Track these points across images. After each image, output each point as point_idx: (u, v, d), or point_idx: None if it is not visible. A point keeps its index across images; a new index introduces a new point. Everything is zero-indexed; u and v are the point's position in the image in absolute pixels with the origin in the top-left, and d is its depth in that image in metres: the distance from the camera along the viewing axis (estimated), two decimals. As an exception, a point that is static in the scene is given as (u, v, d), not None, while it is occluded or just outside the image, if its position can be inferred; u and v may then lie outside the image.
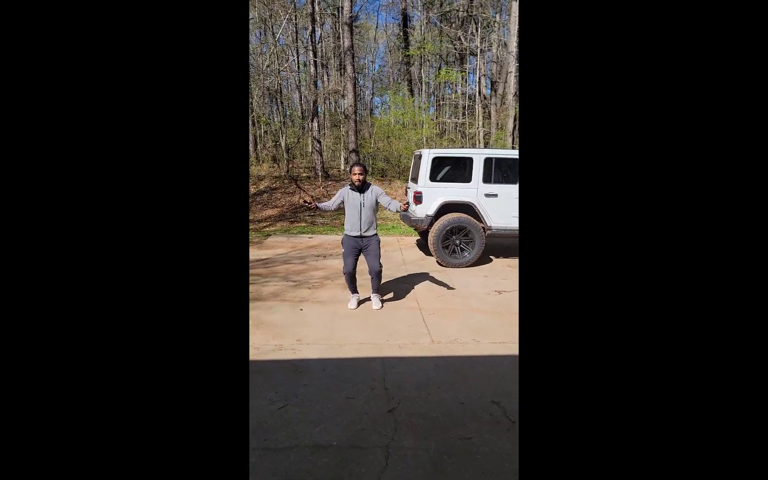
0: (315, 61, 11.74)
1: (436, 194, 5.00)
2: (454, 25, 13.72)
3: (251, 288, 4.11)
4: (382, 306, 3.64)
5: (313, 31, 11.80)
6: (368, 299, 3.71)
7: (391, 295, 3.97)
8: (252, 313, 3.41)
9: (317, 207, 3.42)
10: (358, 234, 3.47)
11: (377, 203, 3.50)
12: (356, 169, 3.41)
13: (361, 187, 3.44)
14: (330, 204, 3.50)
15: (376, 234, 3.55)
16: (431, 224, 5.03)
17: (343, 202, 3.49)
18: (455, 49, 13.64)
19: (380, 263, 3.54)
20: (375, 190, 3.51)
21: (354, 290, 3.66)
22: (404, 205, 3.36)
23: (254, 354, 2.72)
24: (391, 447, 1.81)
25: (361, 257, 3.58)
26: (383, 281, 4.44)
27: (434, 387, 2.33)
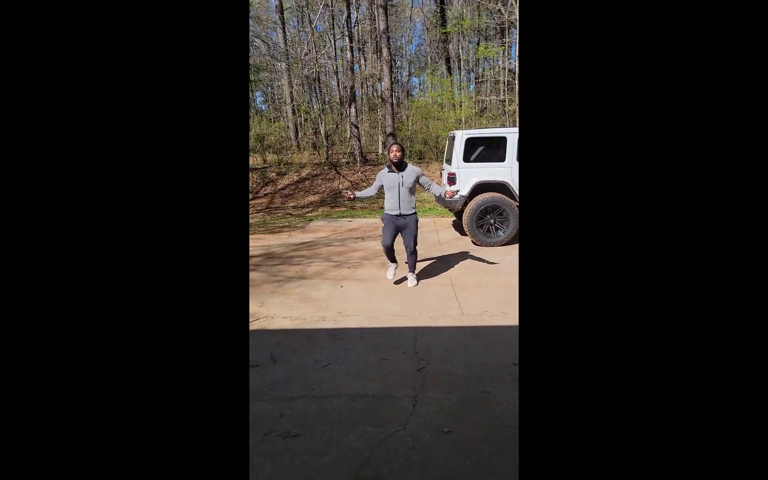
0: (351, 46, 11.94)
1: (469, 175, 5.10)
2: (492, -3, 13.21)
3: (297, 268, 4.54)
4: (417, 283, 3.86)
5: (349, 15, 11.96)
6: (405, 278, 3.95)
7: (425, 272, 4.20)
8: (298, 290, 3.82)
9: (356, 197, 3.65)
10: (397, 213, 3.63)
11: (416, 183, 3.64)
12: (394, 147, 3.57)
13: (399, 166, 3.58)
14: (370, 190, 3.72)
15: (414, 213, 3.70)
16: (465, 204, 5.16)
17: (382, 186, 3.67)
18: (495, 22, 13.16)
19: (416, 242, 3.72)
20: (414, 170, 3.65)
21: (393, 260, 3.91)
22: (451, 192, 3.45)
23: (301, 324, 3.10)
24: (418, 397, 2.09)
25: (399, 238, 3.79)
26: (419, 260, 4.68)
27: (461, 351, 2.56)
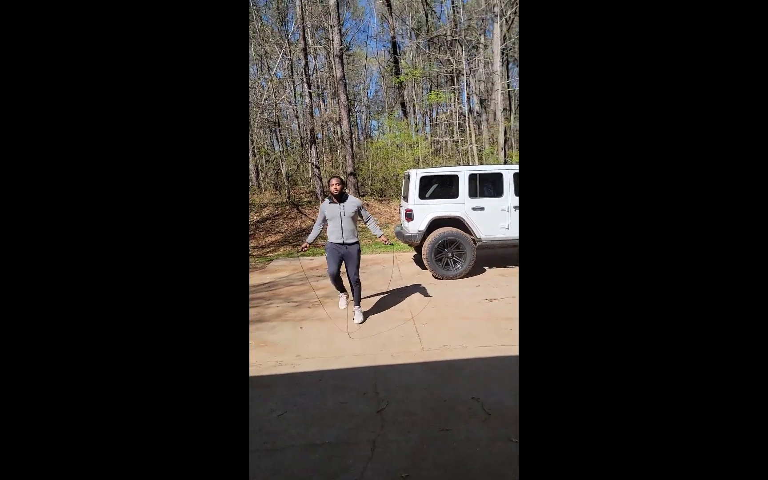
0: (310, 93, 12.29)
1: (426, 211, 5.26)
2: (442, 49, 14.31)
3: (254, 311, 4.34)
4: (364, 320, 3.82)
5: (307, 63, 12.39)
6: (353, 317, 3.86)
7: (386, 307, 4.18)
8: (255, 334, 3.63)
9: (310, 243, 3.72)
10: (340, 241, 3.69)
11: (357, 214, 3.75)
12: (333, 181, 3.68)
13: (340, 197, 3.68)
14: (316, 228, 3.79)
15: (357, 242, 3.77)
16: (424, 239, 5.28)
17: (325, 218, 3.74)
18: (445, 71, 14.19)
19: (358, 272, 3.76)
20: (355, 201, 3.75)
21: (341, 290, 3.93)
22: (384, 239, 3.68)
23: (257, 370, 2.93)
24: (377, 441, 2.00)
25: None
26: (380, 295, 4.65)
27: (421, 388, 2.52)
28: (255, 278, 5.99)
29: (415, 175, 5.29)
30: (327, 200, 3.75)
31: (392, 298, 4.55)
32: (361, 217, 3.79)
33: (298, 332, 3.65)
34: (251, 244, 9.43)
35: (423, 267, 5.91)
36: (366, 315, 3.94)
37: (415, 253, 6.75)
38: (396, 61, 14.88)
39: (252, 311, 4.33)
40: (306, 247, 3.71)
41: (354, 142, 11.98)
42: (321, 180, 11.55)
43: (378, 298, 4.56)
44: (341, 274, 3.90)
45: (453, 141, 13.58)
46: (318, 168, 11.59)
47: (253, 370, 2.93)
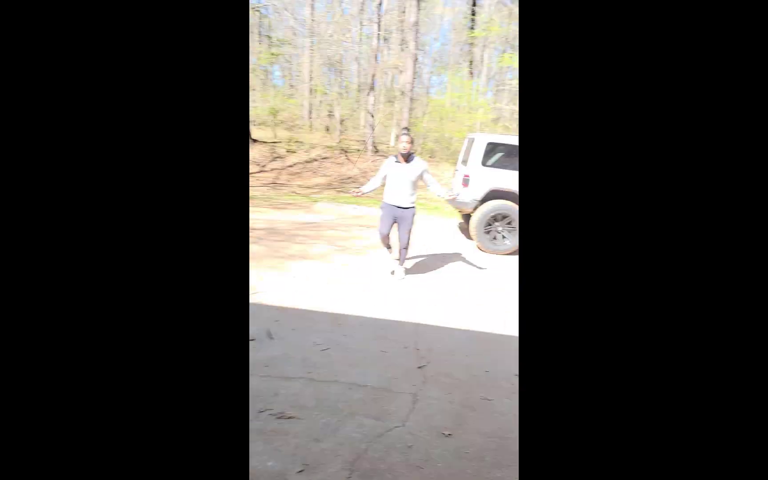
0: (378, 34, 11.77)
1: (485, 179, 5.02)
2: (524, 6, 13.03)
3: (299, 247, 4.46)
4: (405, 277, 3.80)
5: (380, 2, 11.77)
6: (393, 272, 3.86)
7: (425, 271, 4.14)
8: (300, 269, 3.74)
9: (362, 193, 3.60)
10: (396, 203, 3.58)
11: (420, 178, 3.58)
12: (404, 138, 3.52)
13: (407, 158, 3.53)
14: (374, 181, 3.64)
15: (413, 207, 3.65)
16: (476, 208, 5.08)
17: (385, 176, 3.61)
18: (522, 31, 13.01)
19: (410, 237, 3.68)
20: (421, 163, 3.59)
21: (388, 247, 3.86)
22: (450, 196, 3.48)
23: (301, 303, 3.03)
24: (418, 395, 2.02)
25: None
26: (421, 257, 4.61)
27: (462, 354, 2.50)
28: (299, 216, 6.12)
29: (481, 140, 5.01)
30: (393, 158, 3.60)
31: (434, 262, 4.50)
32: (424, 180, 3.61)
33: (341, 275, 3.72)
34: (297, 183, 9.57)
35: (468, 236, 5.76)
36: (407, 273, 3.92)
37: (461, 220, 6.57)
38: (473, 13, 13.81)
39: (297, 247, 4.44)
40: (359, 193, 3.61)
41: (413, 96, 11.50)
42: (373, 129, 11.32)
43: (420, 260, 4.52)
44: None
45: (516, 111, 12.72)
46: (372, 116, 11.33)
47: (298, 302, 3.03)
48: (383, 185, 3.70)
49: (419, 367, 2.29)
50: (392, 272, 3.86)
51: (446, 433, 1.76)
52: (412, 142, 3.56)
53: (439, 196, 3.64)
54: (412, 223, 3.64)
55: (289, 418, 1.76)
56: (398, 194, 3.57)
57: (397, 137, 3.50)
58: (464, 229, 6.21)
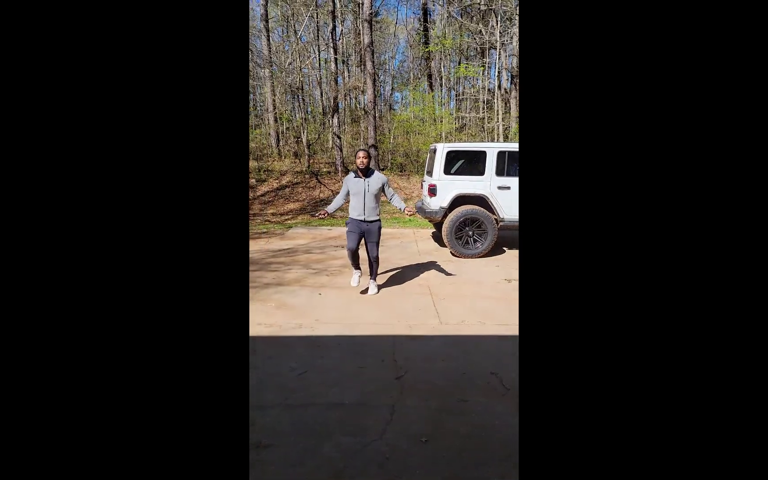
0: (336, 58, 12.03)
1: (450, 187, 5.16)
2: (474, 19, 13.68)
3: (274, 275, 4.42)
4: (378, 291, 3.84)
5: (334, 28, 12.06)
6: (366, 288, 3.88)
7: (403, 281, 4.19)
8: (276, 297, 3.71)
9: (328, 213, 3.65)
10: (362, 218, 3.65)
11: (381, 191, 3.67)
12: (360, 154, 3.60)
13: (366, 172, 3.61)
14: (338, 199, 3.72)
15: (378, 220, 3.73)
16: (445, 216, 5.21)
17: (348, 192, 3.68)
18: (476, 43, 13.61)
19: (378, 250, 3.74)
20: (380, 177, 3.67)
21: (356, 267, 3.90)
22: (409, 211, 3.60)
23: (278, 331, 3.00)
24: (396, 406, 2.04)
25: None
26: (397, 269, 4.66)
27: (439, 360, 2.54)
28: (274, 244, 6.08)
29: (442, 149, 5.17)
30: (352, 174, 3.68)
31: (410, 272, 4.56)
32: (385, 194, 3.71)
33: (317, 298, 3.71)
34: (270, 211, 9.52)
35: (441, 244, 5.87)
36: (380, 288, 3.95)
37: (434, 229, 6.69)
38: (426, 30, 14.34)
39: (271, 275, 4.41)
40: (324, 214, 3.66)
41: (377, 114, 11.75)
42: (342, 150, 11.45)
43: (395, 272, 4.57)
44: (359, 250, 3.89)
45: (479, 118, 13.18)
46: (339, 138, 11.47)
47: (273, 330, 3.00)
48: (348, 202, 3.76)
49: (397, 378, 2.32)
50: (366, 290, 3.88)
51: (423, 439, 1.78)
52: (369, 157, 3.65)
53: (400, 209, 3.73)
54: (378, 236, 3.71)
55: (267, 446, 1.74)
56: (362, 208, 3.64)
57: (356, 154, 3.57)
58: (437, 238, 6.32)
